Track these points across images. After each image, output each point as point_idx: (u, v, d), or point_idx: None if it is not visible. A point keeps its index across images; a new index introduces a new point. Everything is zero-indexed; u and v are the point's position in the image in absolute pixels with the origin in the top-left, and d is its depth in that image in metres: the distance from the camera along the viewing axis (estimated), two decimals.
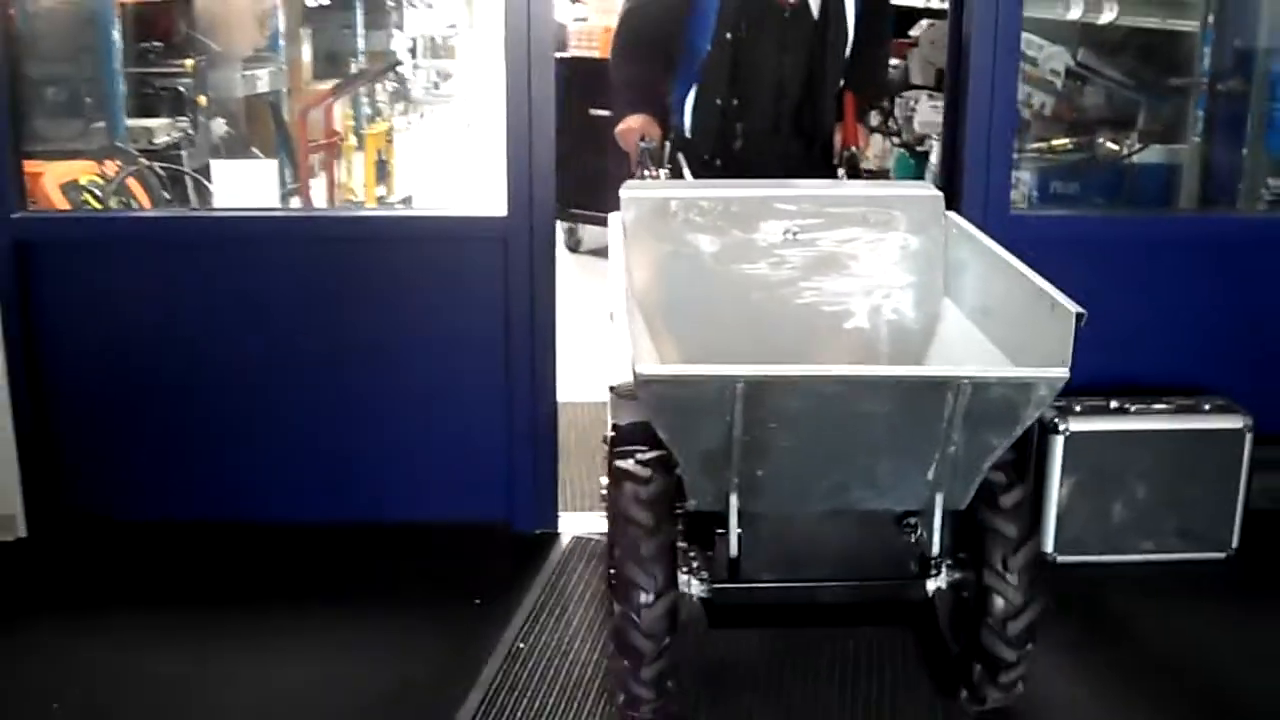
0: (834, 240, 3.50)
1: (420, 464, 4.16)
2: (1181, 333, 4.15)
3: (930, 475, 2.84)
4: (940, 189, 3.66)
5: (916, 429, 2.75)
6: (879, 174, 6.59)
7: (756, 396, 2.66)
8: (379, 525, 4.09)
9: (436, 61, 13.60)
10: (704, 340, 3.29)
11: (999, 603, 2.96)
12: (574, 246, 8.27)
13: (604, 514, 3.61)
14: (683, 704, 3.12)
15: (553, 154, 3.94)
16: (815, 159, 4.09)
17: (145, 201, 5.56)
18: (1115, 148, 5.68)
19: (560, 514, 4.16)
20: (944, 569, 3.04)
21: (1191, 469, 3.92)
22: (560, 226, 6.22)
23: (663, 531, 2.95)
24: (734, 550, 2.96)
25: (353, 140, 8.13)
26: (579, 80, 7.05)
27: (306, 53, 8.14)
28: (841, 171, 4.00)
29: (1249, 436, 3.90)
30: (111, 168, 5.40)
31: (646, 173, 3.83)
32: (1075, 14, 5.73)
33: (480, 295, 4.03)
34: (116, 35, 5.68)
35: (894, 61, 6.46)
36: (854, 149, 4.04)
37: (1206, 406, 3.95)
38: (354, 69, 8.94)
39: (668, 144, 3.98)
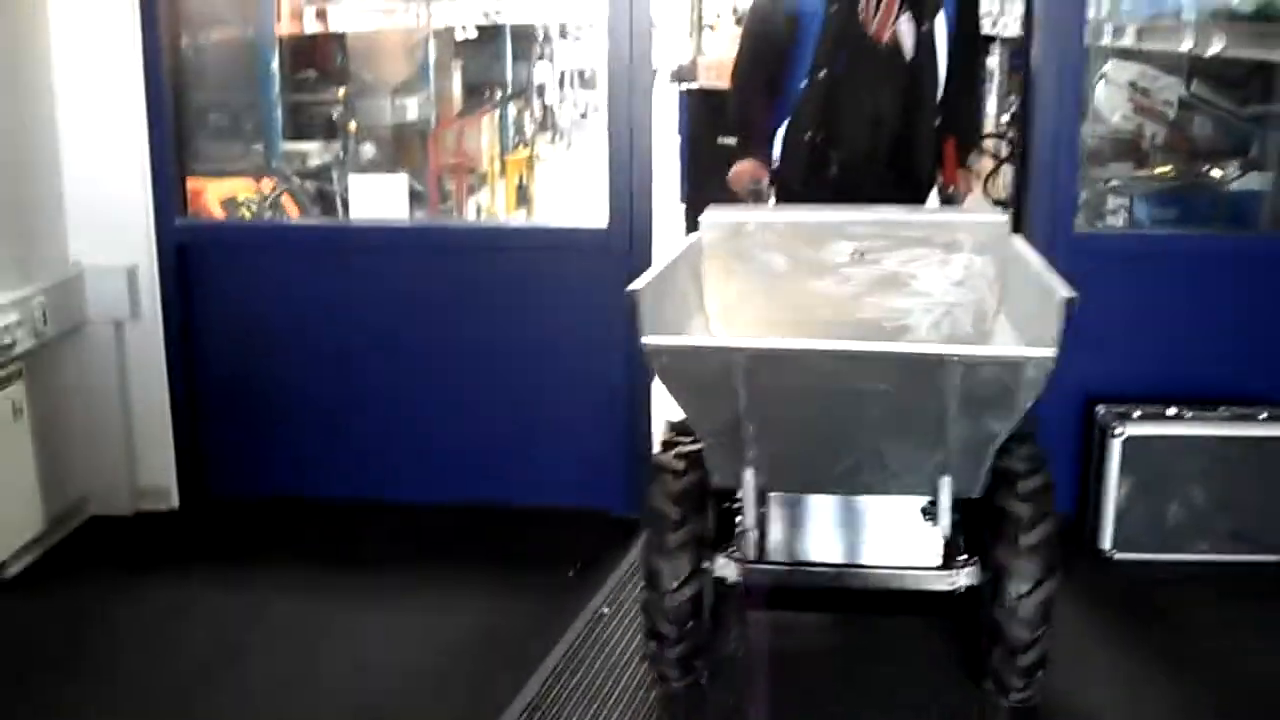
0: (898, 260, 3.68)
1: (532, 455, 4.49)
2: (1237, 344, 4.24)
3: (937, 459, 2.98)
4: (1011, 212, 3.82)
5: (917, 410, 2.88)
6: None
7: (759, 370, 2.82)
8: (499, 507, 4.46)
9: (585, 93, 13.92)
10: None
11: (1011, 580, 3.03)
12: None
13: None
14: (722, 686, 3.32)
15: (650, 173, 4.28)
16: (908, 194, 4.13)
17: (296, 216, 5.90)
18: (1219, 174, 5.77)
19: None
20: (968, 564, 3.15)
21: (1246, 474, 4.05)
22: None
23: (689, 524, 3.12)
24: (751, 525, 3.11)
25: (496, 166, 8.50)
26: (707, 111, 7.34)
27: (456, 84, 8.52)
28: None
29: None
30: (267, 185, 5.68)
31: None
32: (1186, 46, 5.81)
33: (584, 301, 4.32)
34: (274, 65, 5.90)
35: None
36: (953, 188, 4.17)
37: (1263, 415, 4.07)
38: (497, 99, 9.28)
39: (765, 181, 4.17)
